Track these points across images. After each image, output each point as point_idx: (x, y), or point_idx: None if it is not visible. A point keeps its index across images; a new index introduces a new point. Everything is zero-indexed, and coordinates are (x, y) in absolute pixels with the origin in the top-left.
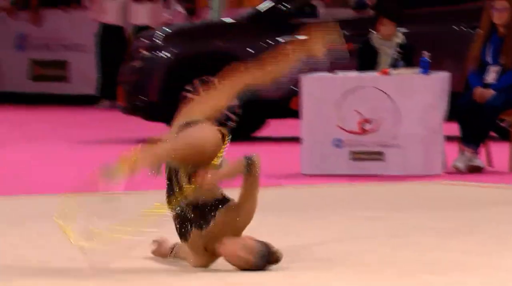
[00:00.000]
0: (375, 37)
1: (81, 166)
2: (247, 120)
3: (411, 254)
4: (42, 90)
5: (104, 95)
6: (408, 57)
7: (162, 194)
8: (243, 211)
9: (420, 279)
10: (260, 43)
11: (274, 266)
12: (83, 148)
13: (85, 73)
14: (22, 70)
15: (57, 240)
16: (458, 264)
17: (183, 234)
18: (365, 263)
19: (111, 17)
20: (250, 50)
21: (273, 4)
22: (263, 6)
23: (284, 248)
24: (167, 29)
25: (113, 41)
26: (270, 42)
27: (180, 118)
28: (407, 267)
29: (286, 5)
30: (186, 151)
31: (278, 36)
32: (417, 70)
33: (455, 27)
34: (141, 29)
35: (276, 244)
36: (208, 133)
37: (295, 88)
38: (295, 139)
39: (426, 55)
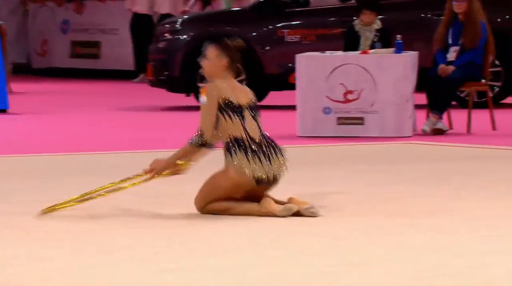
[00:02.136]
0: (358, 23)
1: (119, 127)
2: (253, 92)
3: (385, 201)
4: (80, 66)
5: (141, 70)
6: (385, 39)
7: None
8: None
9: (394, 221)
10: (262, 28)
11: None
12: (121, 113)
13: (115, 52)
14: (65, 50)
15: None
16: (430, 208)
17: None
18: (350, 209)
19: (141, 7)
20: (254, 33)
21: None
22: None
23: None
24: (185, 17)
25: (143, 27)
26: (270, 27)
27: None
28: (383, 211)
29: None
30: None
31: (277, 22)
32: (392, 50)
33: (424, 15)
34: (165, 17)
35: (282, 193)
36: None
37: (293, 66)
38: (292, 108)
39: (399, 38)
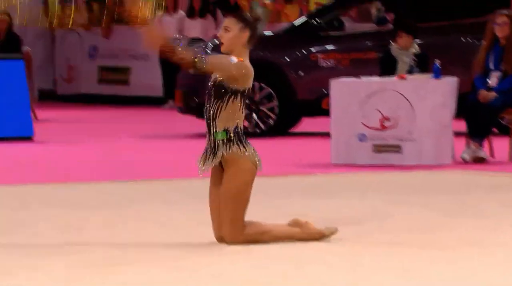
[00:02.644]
0: (394, 48)
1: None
2: (285, 118)
3: (423, 232)
4: (107, 92)
5: (168, 97)
6: (422, 64)
7: None
8: None
9: (433, 254)
10: (295, 52)
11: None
12: (149, 141)
13: (145, 78)
14: (92, 76)
15: None
16: (466, 241)
17: None
18: (380, 238)
19: (170, 31)
20: (286, 58)
21: (306, 19)
22: (298, 21)
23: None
24: (215, 41)
25: None
26: (303, 51)
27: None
28: (414, 241)
29: (317, 20)
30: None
31: (310, 46)
32: (430, 75)
33: (463, 39)
34: (194, 41)
35: (314, 220)
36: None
37: (326, 91)
38: (326, 134)
39: (437, 62)
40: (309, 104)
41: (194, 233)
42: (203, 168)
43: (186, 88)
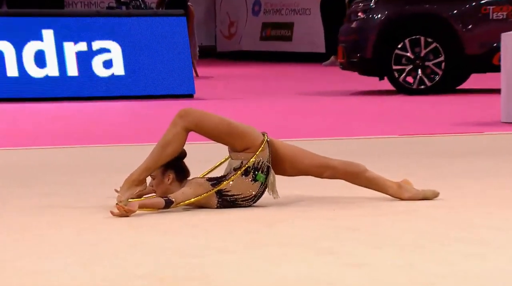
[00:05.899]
0: None
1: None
2: (452, 74)
3: None
4: (269, 48)
5: (331, 53)
6: None
7: None
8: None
9: None
10: (464, 4)
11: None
12: (308, 99)
13: (307, 34)
14: (255, 32)
15: None
16: None
17: None
18: None
19: None
20: (455, 11)
21: None
22: None
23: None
24: None
25: (334, 6)
26: (472, 3)
27: None
28: None
29: None
30: None
31: None
32: None
33: None
34: None
35: (478, 182)
36: None
37: (497, 45)
38: (497, 91)
39: None
40: (479, 59)
41: None
42: None
43: (348, 44)
